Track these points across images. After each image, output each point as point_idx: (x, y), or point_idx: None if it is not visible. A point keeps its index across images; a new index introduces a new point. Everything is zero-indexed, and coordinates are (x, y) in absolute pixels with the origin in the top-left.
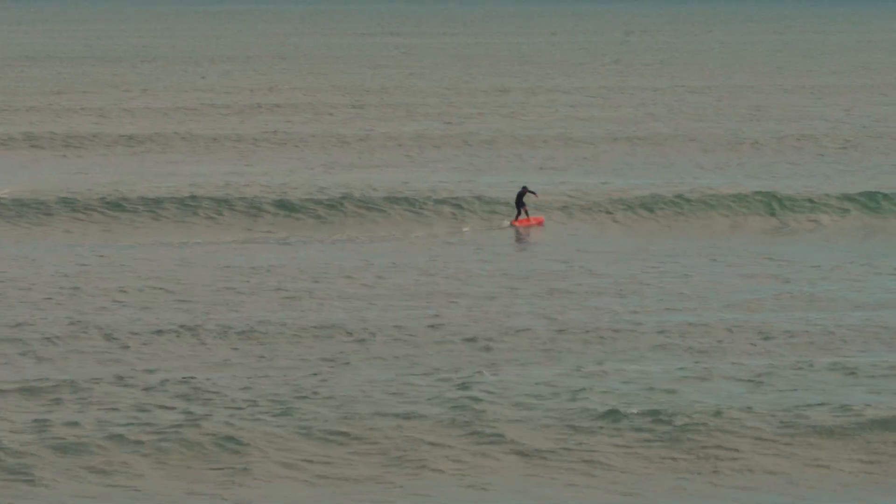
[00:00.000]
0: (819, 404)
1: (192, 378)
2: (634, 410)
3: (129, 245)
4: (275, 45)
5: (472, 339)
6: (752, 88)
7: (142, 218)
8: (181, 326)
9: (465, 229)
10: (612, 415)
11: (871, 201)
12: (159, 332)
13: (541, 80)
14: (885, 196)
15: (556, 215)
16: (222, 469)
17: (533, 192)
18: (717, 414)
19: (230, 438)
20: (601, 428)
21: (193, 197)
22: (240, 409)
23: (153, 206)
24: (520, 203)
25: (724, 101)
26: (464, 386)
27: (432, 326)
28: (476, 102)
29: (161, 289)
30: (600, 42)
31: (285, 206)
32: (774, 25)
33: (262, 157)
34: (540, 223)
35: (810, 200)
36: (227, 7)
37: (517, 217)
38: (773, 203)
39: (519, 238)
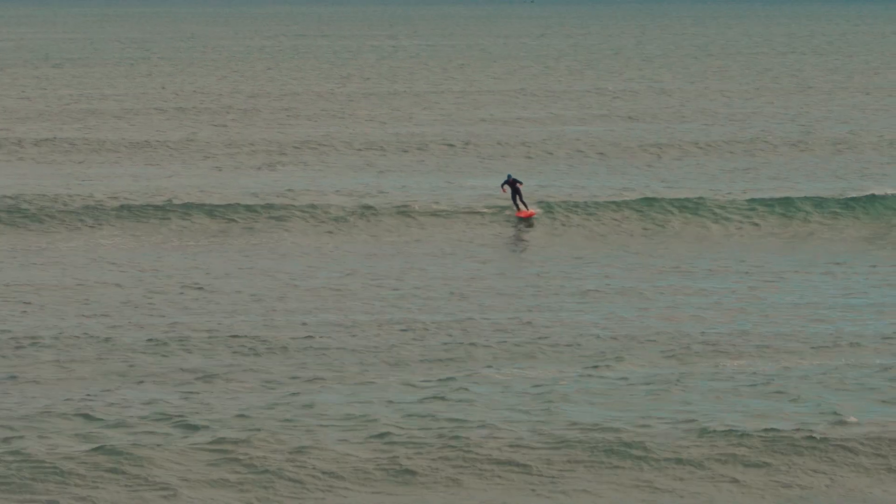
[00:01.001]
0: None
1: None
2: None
3: None
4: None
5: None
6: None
7: None
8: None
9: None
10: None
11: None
12: None
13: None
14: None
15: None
16: None
17: (520, 182)
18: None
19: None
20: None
21: None
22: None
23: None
24: (515, 194)
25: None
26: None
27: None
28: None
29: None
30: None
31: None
32: (694, 25)
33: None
34: (531, 215)
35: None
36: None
37: (518, 209)
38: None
39: (521, 231)
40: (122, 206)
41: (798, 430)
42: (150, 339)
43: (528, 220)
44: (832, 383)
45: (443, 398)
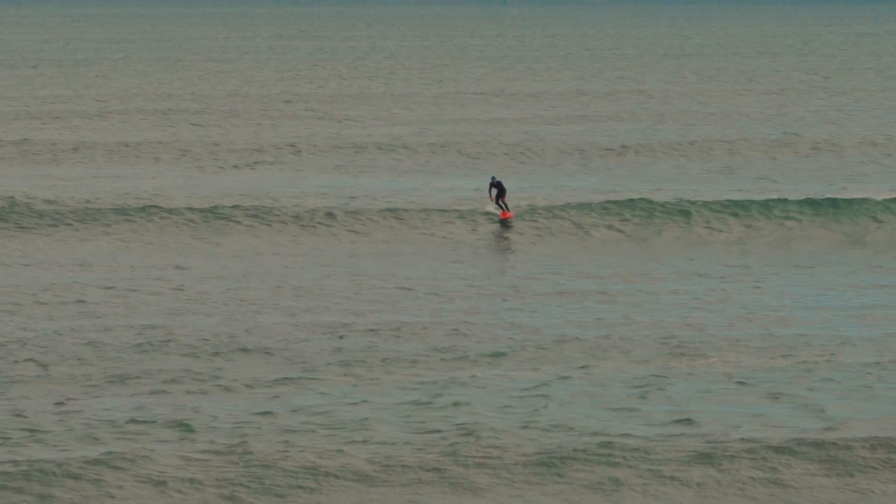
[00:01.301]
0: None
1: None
2: None
3: None
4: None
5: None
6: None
7: None
8: None
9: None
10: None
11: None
12: None
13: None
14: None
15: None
16: None
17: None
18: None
19: None
20: None
21: None
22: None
23: None
24: (500, 195)
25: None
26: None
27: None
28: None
29: None
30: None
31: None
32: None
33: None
34: (509, 217)
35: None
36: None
37: (501, 210)
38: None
39: (503, 233)
40: (97, 209)
41: (777, 429)
42: (125, 341)
43: (506, 222)
44: (814, 384)
45: (422, 400)
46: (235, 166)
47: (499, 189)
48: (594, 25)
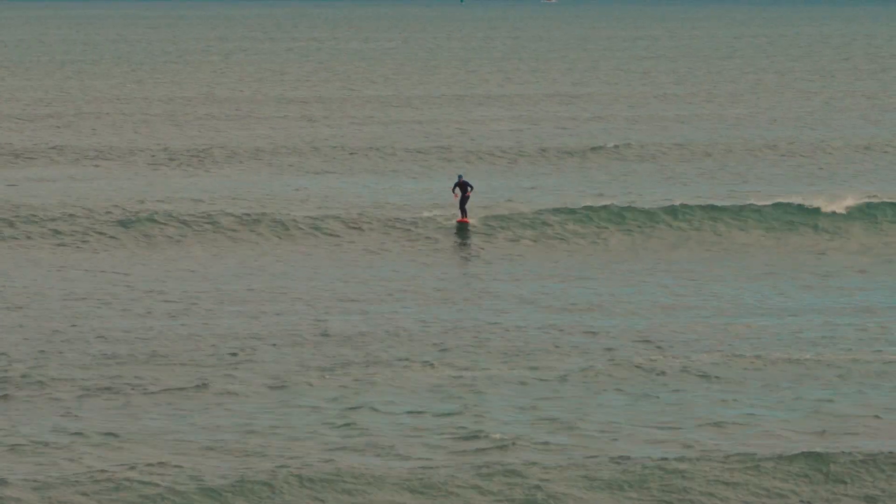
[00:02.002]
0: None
1: None
2: None
3: None
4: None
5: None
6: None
7: None
8: None
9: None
10: None
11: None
12: None
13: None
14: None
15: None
16: None
17: (470, 186)
18: None
19: None
20: None
21: None
22: None
23: None
24: (464, 198)
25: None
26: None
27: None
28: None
29: None
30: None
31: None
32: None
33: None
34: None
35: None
36: None
37: (461, 214)
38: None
39: (465, 236)
40: (46, 217)
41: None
42: (73, 349)
43: (464, 226)
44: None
45: (354, 406)
46: (184, 171)
47: (463, 190)
48: (559, 25)
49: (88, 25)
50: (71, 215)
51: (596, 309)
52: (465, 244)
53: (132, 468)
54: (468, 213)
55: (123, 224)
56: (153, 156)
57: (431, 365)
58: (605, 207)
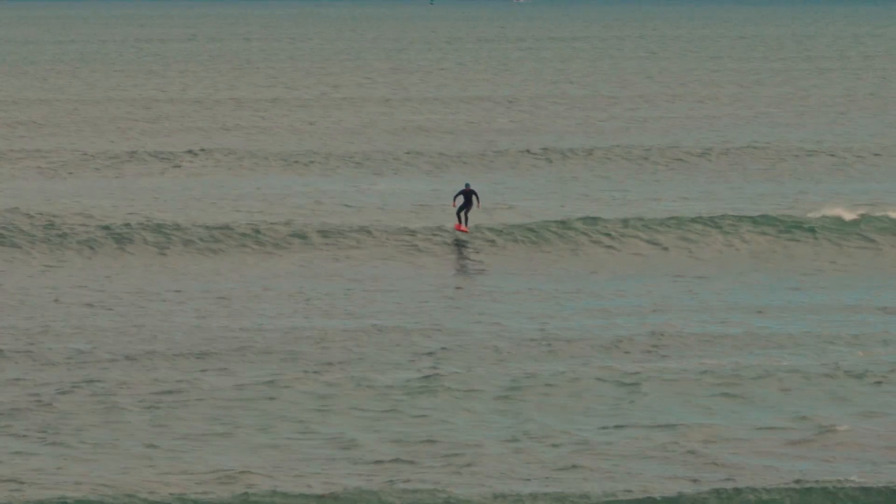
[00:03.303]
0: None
1: None
2: None
3: None
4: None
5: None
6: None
7: None
8: None
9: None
10: None
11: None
12: None
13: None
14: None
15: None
16: None
17: (476, 196)
18: None
19: None
20: None
21: None
22: None
23: None
24: (466, 206)
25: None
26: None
27: None
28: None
29: None
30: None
31: None
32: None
33: None
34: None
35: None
36: None
37: (458, 221)
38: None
39: (462, 244)
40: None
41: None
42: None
43: (461, 235)
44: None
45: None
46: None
47: (466, 198)
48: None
49: (69, 25)
50: (50, 223)
51: (598, 314)
52: (457, 253)
53: (117, 474)
54: (467, 223)
55: (103, 228)
56: (130, 159)
57: (423, 372)
58: (594, 218)
